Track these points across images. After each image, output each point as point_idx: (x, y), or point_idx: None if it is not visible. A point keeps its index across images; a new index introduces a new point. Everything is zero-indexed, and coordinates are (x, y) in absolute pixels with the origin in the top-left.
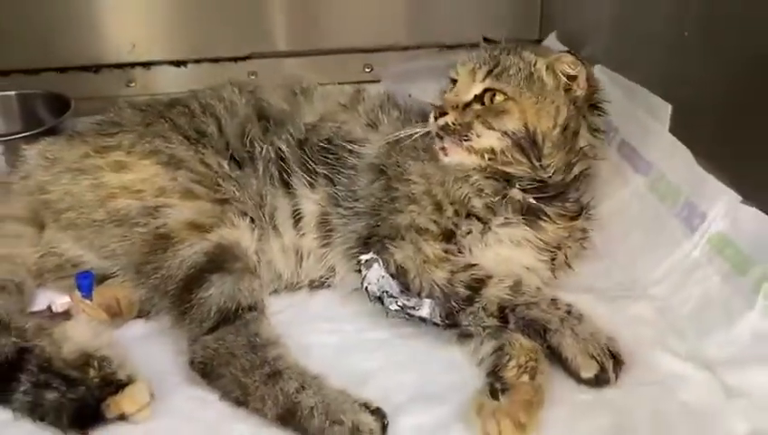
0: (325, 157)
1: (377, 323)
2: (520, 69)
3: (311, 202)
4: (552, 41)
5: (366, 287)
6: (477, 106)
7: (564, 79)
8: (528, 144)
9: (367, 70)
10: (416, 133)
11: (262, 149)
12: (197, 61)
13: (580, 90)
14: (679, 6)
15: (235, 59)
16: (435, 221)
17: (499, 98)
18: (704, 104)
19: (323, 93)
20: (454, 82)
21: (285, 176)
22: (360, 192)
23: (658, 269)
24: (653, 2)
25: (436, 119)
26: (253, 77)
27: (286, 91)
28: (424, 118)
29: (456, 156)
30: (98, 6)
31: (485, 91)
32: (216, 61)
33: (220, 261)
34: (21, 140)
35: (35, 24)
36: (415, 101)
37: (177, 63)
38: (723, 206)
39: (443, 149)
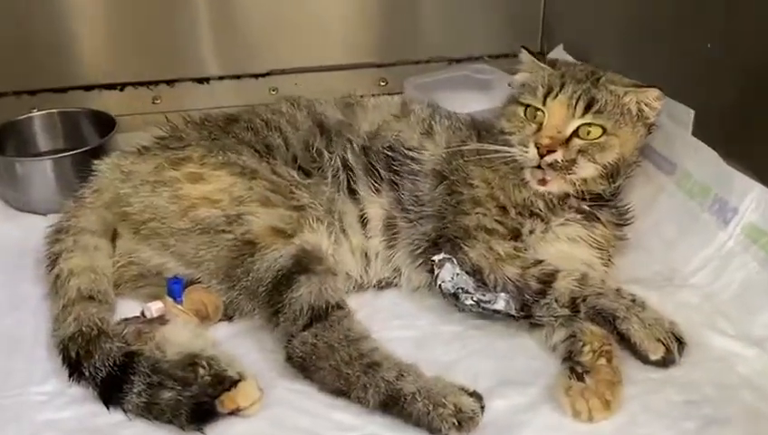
0: (389, 163)
1: (447, 318)
2: (612, 102)
3: (376, 206)
4: (559, 52)
5: (440, 285)
6: (578, 140)
7: (647, 110)
8: (615, 170)
9: (381, 84)
10: (506, 155)
11: (330, 158)
12: (221, 78)
13: (654, 117)
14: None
15: (256, 76)
16: (500, 222)
17: (595, 131)
18: (720, 106)
19: (375, 104)
20: (524, 106)
21: (352, 182)
22: (424, 197)
23: (695, 260)
24: (658, 6)
25: (542, 155)
26: (274, 92)
27: (340, 104)
28: (473, 127)
29: (554, 186)
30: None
31: (582, 124)
32: (237, 77)
33: (305, 263)
34: (69, 158)
35: (62, 42)
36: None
37: (201, 80)
38: (754, 198)
39: (542, 180)
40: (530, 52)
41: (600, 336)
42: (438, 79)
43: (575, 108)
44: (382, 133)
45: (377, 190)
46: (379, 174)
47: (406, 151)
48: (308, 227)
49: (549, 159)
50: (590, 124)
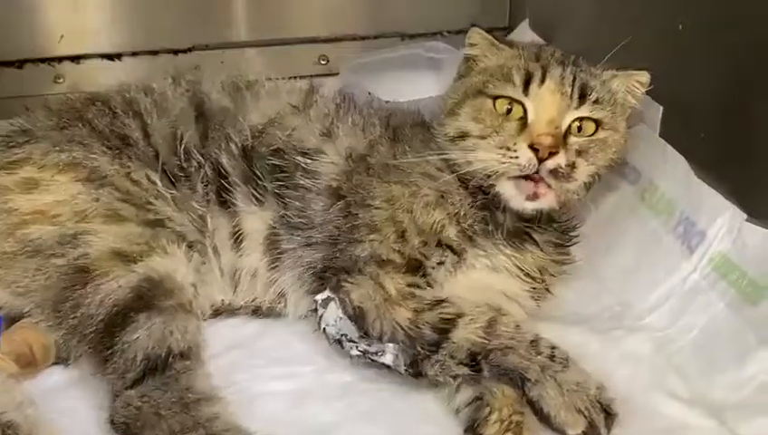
0: (275, 173)
1: (338, 364)
2: (603, 89)
3: (256, 219)
4: (524, 30)
5: (324, 329)
6: (574, 139)
7: (631, 98)
8: (599, 176)
9: (322, 62)
10: (478, 167)
11: (200, 161)
12: (134, 54)
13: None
14: None
15: (176, 51)
16: (398, 251)
17: (588, 126)
18: (700, 103)
19: (272, 89)
20: (493, 99)
21: (225, 192)
22: (316, 218)
23: (652, 294)
24: None
25: (542, 159)
26: (195, 71)
27: (230, 86)
28: (389, 123)
29: (547, 201)
30: None
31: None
32: (154, 53)
33: (149, 297)
34: None
35: None
36: (375, 101)
37: (111, 57)
38: (724, 224)
39: (534, 194)
40: (483, 30)
41: (513, 401)
42: (380, 59)
43: (570, 96)
44: (271, 131)
45: (258, 201)
46: (262, 184)
47: (297, 159)
48: (159, 250)
49: (551, 163)
50: (584, 118)
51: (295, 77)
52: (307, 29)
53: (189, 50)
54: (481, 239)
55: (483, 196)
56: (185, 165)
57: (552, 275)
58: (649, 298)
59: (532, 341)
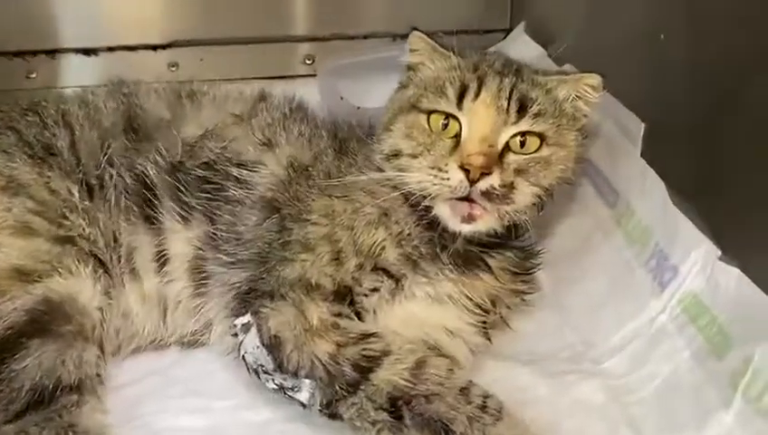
0: (203, 187)
1: (259, 398)
2: (546, 101)
3: (182, 241)
4: (519, 33)
5: (243, 356)
6: (512, 156)
7: (582, 105)
8: (550, 195)
9: (308, 62)
10: (414, 188)
11: (120, 175)
12: (110, 49)
13: (589, 115)
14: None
15: (154, 47)
16: (330, 275)
17: (532, 142)
18: (683, 125)
19: (218, 97)
20: (427, 113)
21: (148, 208)
22: (246, 234)
23: (618, 334)
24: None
25: (474, 181)
26: (174, 69)
27: (171, 95)
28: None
29: (483, 224)
30: None
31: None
32: (131, 49)
33: (44, 322)
34: None
35: None
36: (344, 106)
37: (87, 52)
38: (698, 259)
39: (469, 216)
40: (425, 34)
41: None
42: (358, 61)
43: (507, 110)
44: (205, 143)
45: (184, 220)
46: (189, 200)
47: (230, 170)
48: (64, 270)
49: (483, 184)
50: (526, 133)
51: (277, 78)
52: (292, 27)
53: (168, 46)
54: (425, 264)
55: (428, 215)
56: (105, 176)
57: (508, 307)
58: (613, 338)
59: (462, 387)
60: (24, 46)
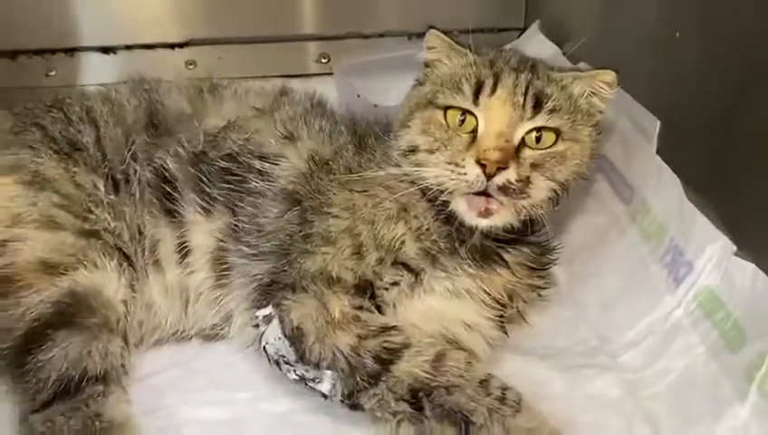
0: (225, 178)
1: (279, 389)
2: (562, 97)
3: (204, 233)
4: (534, 32)
5: (264, 347)
6: (529, 151)
7: (597, 101)
8: (566, 190)
9: (323, 60)
10: (431, 184)
11: (141, 165)
12: (128, 47)
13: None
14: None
15: (172, 45)
16: (351, 269)
17: (547, 138)
18: (697, 123)
19: (239, 92)
20: (444, 109)
21: (168, 201)
22: (268, 226)
23: (633, 329)
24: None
25: (491, 175)
26: (191, 67)
27: (192, 90)
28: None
29: (500, 218)
30: None
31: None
32: (149, 47)
33: (70, 314)
34: None
35: None
36: (362, 104)
37: (105, 50)
38: (713, 255)
39: (486, 211)
40: (442, 32)
41: None
42: (375, 59)
43: (523, 106)
44: (227, 134)
45: (206, 212)
46: (211, 191)
47: (253, 162)
48: (89, 263)
49: (500, 179)
50: (541, 128)
51: (295, 76)
52: (308, 26)
53: (185, 44)
54: (444, 259)
55: (446, 209)
56: (129, 171)
57: (524, 302)
58: (628, 333)
59: (481, 380)
60: (43, 45)
